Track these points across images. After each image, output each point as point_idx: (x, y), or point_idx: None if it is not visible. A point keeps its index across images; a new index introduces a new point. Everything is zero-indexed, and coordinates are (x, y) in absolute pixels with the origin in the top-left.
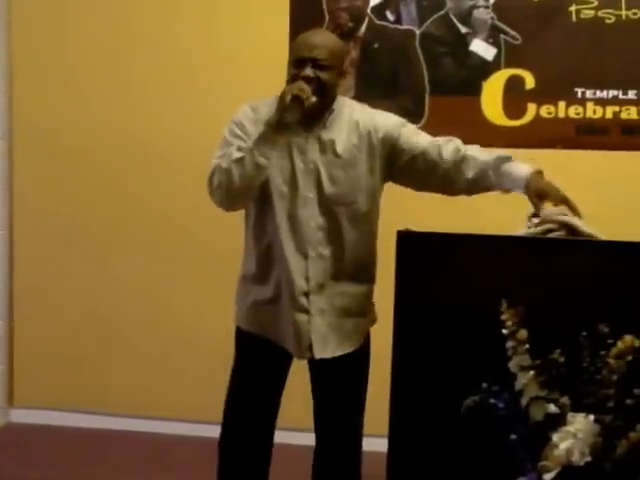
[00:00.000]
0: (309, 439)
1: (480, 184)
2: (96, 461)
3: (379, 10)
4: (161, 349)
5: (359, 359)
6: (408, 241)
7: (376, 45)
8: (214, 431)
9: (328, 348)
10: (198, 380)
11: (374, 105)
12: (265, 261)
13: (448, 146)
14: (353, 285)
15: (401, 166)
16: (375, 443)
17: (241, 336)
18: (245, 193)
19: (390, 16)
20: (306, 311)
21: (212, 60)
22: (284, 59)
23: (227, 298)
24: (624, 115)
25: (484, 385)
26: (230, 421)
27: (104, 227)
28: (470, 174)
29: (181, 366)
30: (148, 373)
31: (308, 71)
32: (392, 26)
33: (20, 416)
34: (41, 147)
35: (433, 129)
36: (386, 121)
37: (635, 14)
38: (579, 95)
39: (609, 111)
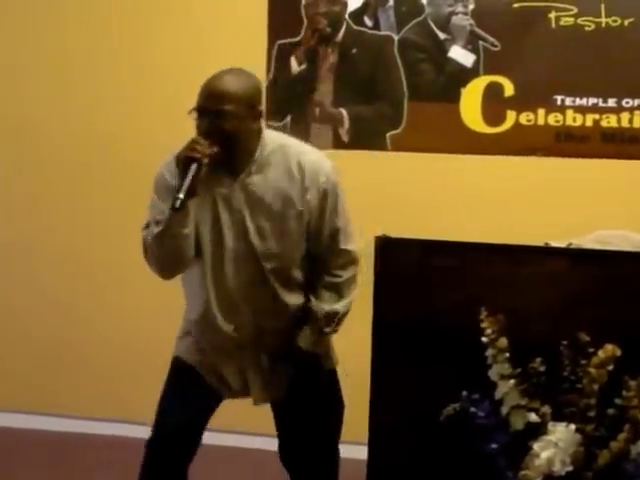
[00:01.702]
0: None
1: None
2: (63, 465)
3: (357, 15)
4: (133, 352)
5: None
6: (386, 247)
7: (354, 50)
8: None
9: (268, 396)
10: None
11: (353, 111)
12: (201, 311)
13: (336, 266)
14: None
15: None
16: (355, 450)
17: (179, 365)
18: (179, 261)
19: (368, 21)
20: (239, 361)
21: (187, 66)
22: (262, 66)
23: None
24: (604, 123)
25: (464, 393)
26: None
27: (80, 227)
28: (317, 297)
29: (155, 369)
30: (120, 375)
31: (205, 124)
32: (370, 32)
33: None
34: (11, 149)
35: (412, 136)
36: (326, 184)
37: (615, 21)
38: (559, 102)
39: (589, 119)
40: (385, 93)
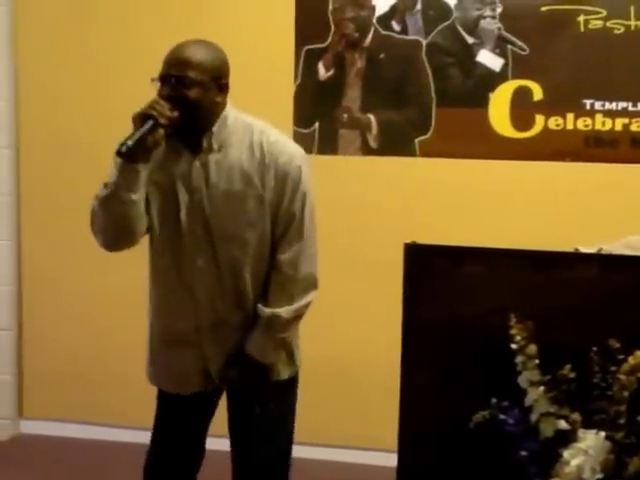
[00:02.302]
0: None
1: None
2: (106, 473)
3: (385, 20)
4: None
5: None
6: (415, 254)
7: (382, 56)
8: (225, 444)
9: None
10: None
11: (382, 117)
12: (161, 296)
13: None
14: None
15: None
16: (385, 458)
17: (160, 397)
18: (125, 230)
19: (396, 26)
20: (196, 346)
21: None
22: (289, 71)
23: None
24: (634, 127)
25: (493, 400)
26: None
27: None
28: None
29: None
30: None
31: (166, 90)
32: (398, 36)
33: (30, 427)
34: (47, 156)
35: (440, 141)
36: (286, 165)
37: None
38: (588, 107)
39: (618, 123)
40: (413, 98)
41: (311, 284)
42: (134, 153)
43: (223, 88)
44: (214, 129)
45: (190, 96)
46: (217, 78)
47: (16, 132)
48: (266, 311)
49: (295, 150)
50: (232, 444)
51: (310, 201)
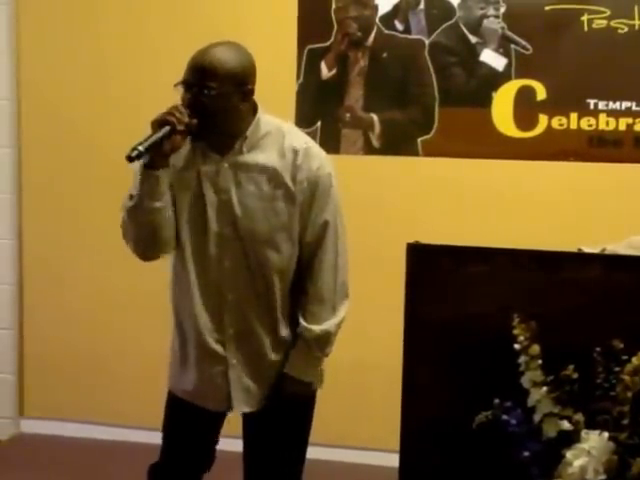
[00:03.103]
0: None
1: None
2: (106, 473)
3: (388, 19)
4: None
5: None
6: (418, 254)
7: (385, 55)
8: (234, 445)
9: (251, 401)
10: None
11: (384, 116)
12: (185, 302)
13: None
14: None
15: None
16: (387, 458)
17: (170, 399)
18: (154, 237)
19: (399, 25)
20: (222, 361)
21: None
22: (292, 71)
23: None
24: (637, 127)
25: (496, 401)
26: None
27: (115, 236)
28: (305, 314)
29: None
30: (162, 384)
31: (187, 97)
32: (401, 35)
33: (30, 426)
34: (49, 155)
35: (443, 141)
36: (318, 170)
37: None
38: (591, 106)
39: (622, 123)
40: (416, 97)
41: (345, 294)
42: (145, 158)
43: (247, 94)
44: (248, 133)
45: (209, 105)
46: (240, 84)
47: (18, 131)
48: (315, 329)
49: (325, 157)
50: (247, 453)
51: (340, 209)
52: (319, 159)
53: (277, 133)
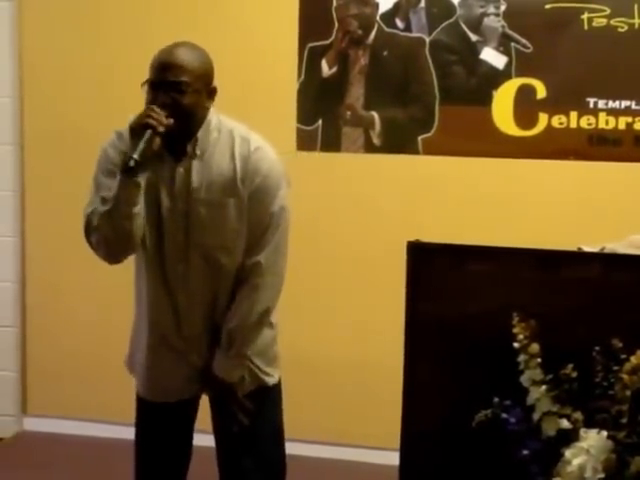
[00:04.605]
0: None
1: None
2: (109, 471)
3: (388, 17)
4: None
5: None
6: (418, 252)
7: (385, 53)
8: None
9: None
10: None
11: (385, 114)
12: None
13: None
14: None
15: None
16: (387, 456)
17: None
18: (128, 242)
19: (399, 23)
20: (183, 352)
21: (220, 70)
22: (292, 69)
23: None
24: (637, 126)
25: (495, 399)
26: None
27: None
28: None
29: None
30: None
31: (162, 97)
32: (402, 33)
33: (33, 424)
34: (51, 153)
35: (443, 139)
36: (267, 172)
37: None
38: (591, 105)
39: (622, 121)
40: (416, 96)
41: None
42: (138, 167)
43: (212, 93)
44: (198, 135)
45: (185, 102)
46: (207, 83)
47: (20, 128)
48: (227, 325)
49: (275, 159)
50: (219, 451)
51: (286, 210)
52: (269, 162)
53: (228, 135)
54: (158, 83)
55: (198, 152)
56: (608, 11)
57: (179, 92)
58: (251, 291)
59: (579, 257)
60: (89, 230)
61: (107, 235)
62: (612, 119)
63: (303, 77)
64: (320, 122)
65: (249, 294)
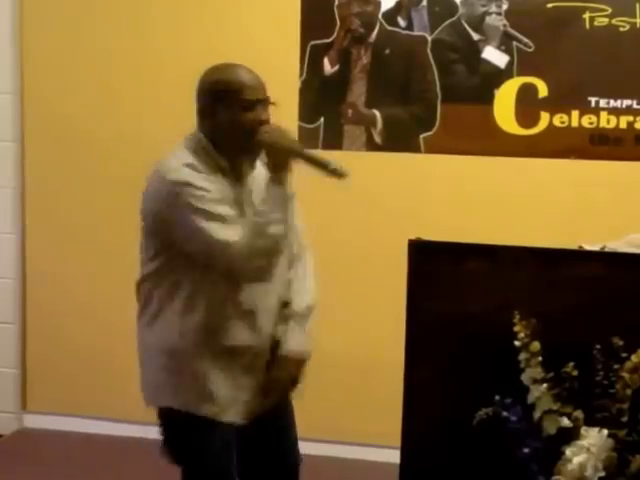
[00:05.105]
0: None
1: None
2: (110, 468)
3: (390, 16)
4: None
5: None
6: (420, 250)
7: (387, 51)
8: None
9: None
10: None
11: (387, 113)
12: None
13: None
14: None
15: None
16: (388, 454)
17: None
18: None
19: (401, 22)
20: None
21: None
22: (294, 67)
23: None
24: (638, 125)
25: (497, 398)
26: None
27: (117, 230)
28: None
29: None
30: None
31: (264, 114)
32: (403, 32)
33: (33, 421)
34: (51, 149)
35: (445, 137)
36: None
37: None
38: (593, 104)
39: (623, 121)
40: (418, 94)
41: None
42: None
43: None
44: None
45: (269, 118)
46: None
47: (20, 125)
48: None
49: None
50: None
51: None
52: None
53: None
54: (255, 101)
55: (248, 167)
56: (610, 10)
57: (267, 108)
58: (305, 270)
59: (580, 255)
60: (249, 257)
61: (271, 247)
62: (613, 118)
63: (305, 75)
64: (322, 120)
65: (304, 273)
